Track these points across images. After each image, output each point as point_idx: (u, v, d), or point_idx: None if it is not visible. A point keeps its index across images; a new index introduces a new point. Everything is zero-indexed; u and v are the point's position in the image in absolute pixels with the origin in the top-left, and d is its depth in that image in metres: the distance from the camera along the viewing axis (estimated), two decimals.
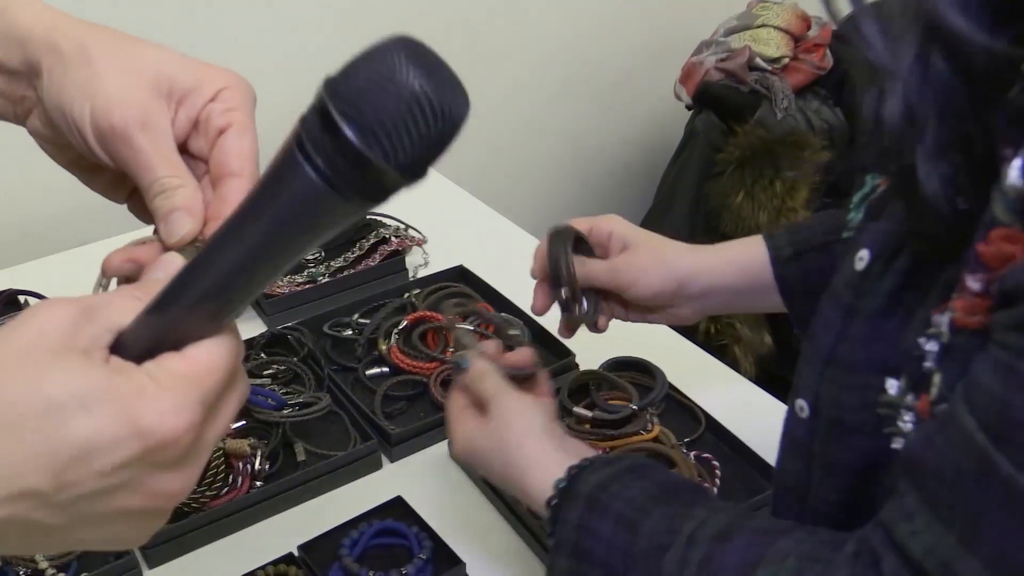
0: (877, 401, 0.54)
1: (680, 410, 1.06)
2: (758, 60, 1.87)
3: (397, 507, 0.94)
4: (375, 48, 0.37)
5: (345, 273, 1.28)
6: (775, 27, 1.90)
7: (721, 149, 1.79)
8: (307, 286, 1.25)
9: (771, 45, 1.88)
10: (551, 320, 1.19)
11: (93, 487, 0.37)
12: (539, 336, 1.16)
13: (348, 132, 0.35)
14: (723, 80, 1.87)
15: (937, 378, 0.51)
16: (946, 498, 0.47)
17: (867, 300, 0.57)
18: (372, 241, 1.32)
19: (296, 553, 0.89)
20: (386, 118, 0.35)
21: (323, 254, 1.31)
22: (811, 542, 0.55)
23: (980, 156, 0.47)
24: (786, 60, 1.90)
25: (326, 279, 1.26)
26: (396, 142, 0.35)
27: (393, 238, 1.34)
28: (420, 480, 1.00)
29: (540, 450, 0.71)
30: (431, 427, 1.04)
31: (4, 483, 0.36)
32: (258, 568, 0.87)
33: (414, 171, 0.37)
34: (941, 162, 0.48)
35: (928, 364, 0.51)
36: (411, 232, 1.37)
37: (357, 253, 1.31)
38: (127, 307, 0.40)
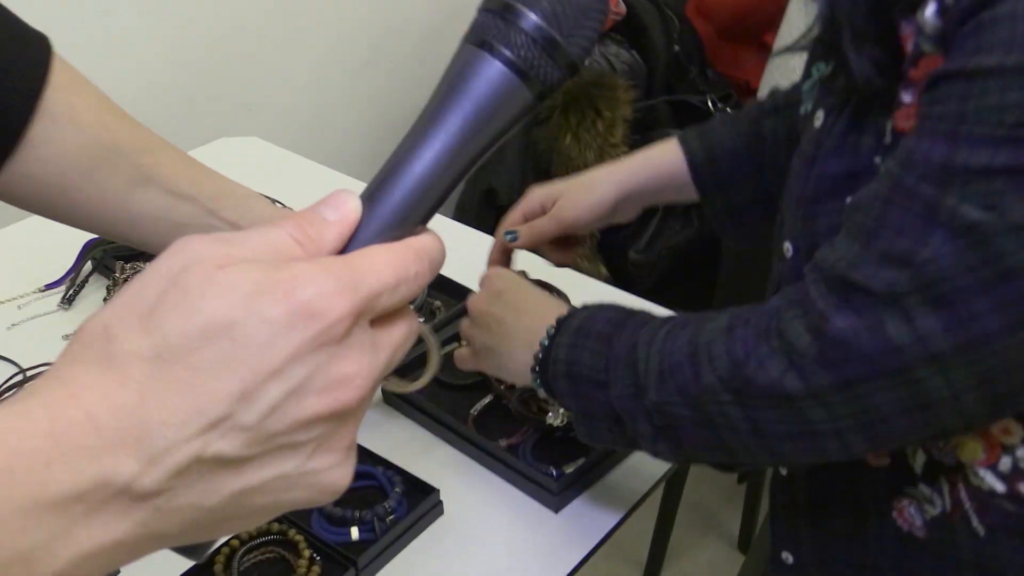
0: (839, 221, 0.67)
1: None
2: None
3: (357, 451, 0.98)
4: None
5: None
6: None
7: None
8: None
9: None
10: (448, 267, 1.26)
11: (275, 395, 0.35)
12: (438, 283, 1.23)
13: (536, 16, 0.40)
14: None
15: (882, 168, 0.65)
16: (859, 220, 0.62)
17: (823, 147, 0.70)
18: None
19: None
20: (557, 5, 0.41)
21: None
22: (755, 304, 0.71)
23: (890, 40, 0.64)
24: None
25: None
26: (568, 25, 0.41)
27: None
28: (363, 426, 1.03)
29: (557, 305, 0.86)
30: None
31: (186, 425, 0.35)
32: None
33: (581, 55, 0.42)
34: (863, 48, 0.64)
35: None
36: (278, 206, 1.39)
37: None
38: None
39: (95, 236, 1.29)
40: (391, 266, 0.38)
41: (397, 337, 0.40)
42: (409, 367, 1.03)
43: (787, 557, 0.79)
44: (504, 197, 1.96)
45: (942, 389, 0.59)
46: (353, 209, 0.40)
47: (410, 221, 0.42)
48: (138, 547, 0.36)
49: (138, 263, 1.24)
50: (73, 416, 0.34)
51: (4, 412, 0.35)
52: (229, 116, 1.87)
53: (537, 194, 1.03)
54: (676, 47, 2.18)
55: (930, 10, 0.60)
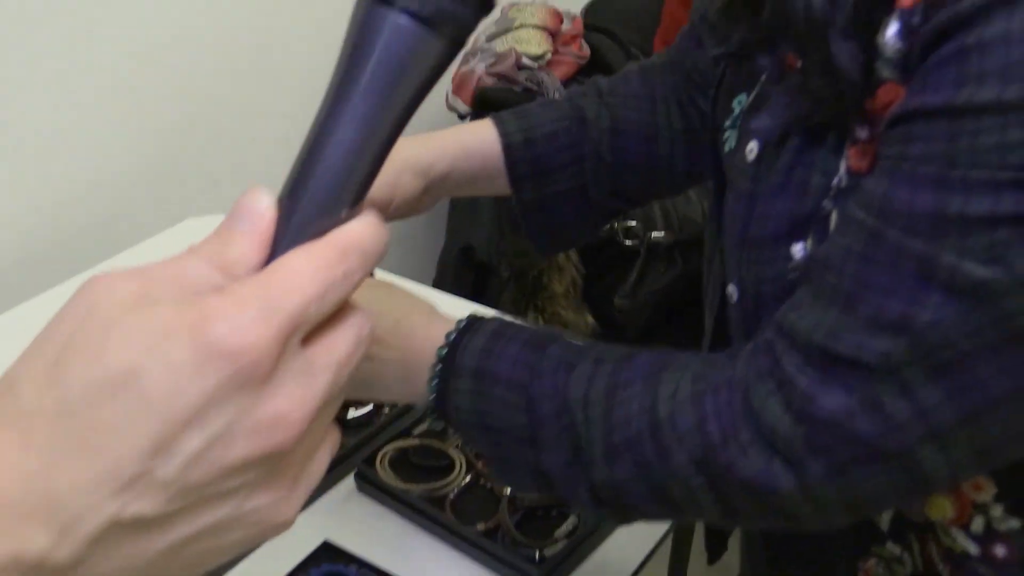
0: (787, 268, 0.61)
1: None
2: (524, 60, 1.95)
3: (327, 551, 0.92)
4: None
5: None
6: (533, 26, 1.98)
7: None
8: None
9: (533, 43, 1.96)
10: None
11: (195, 445, 0.32)
12: None
13: None
14: (497, 84, 1.93)
15: (834, 215, 0.58)
16: (832, 281, 0.54)
17: (763, 183, 0.63)
18: None
19: None
20: None
21: None
22: (711, 356, 0.61)
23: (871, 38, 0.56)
24: (549, 55, 1.99)
25: None
26: None
27: None
28: (335, 519, 0.98)
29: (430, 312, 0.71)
30: (330, 467, 1.02)
31: (98, 488, 0.31)
32: None
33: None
34: (849, 41, 0.55)
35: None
36: None
37: None
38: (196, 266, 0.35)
39: None
40: (313, 273, 0.34)
41: (339, 351, 0.35)
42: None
43: None
44: (482, 253, 1.91)
45: (942, 467, 0.52)
46: (265, 209, 0.36)
47: (337, 208, 0.36)
48: None
49: None
50: None
51: None
52: (194, 195, 1.83)
53: None
54: None
55: (891, 30, 0.53)
